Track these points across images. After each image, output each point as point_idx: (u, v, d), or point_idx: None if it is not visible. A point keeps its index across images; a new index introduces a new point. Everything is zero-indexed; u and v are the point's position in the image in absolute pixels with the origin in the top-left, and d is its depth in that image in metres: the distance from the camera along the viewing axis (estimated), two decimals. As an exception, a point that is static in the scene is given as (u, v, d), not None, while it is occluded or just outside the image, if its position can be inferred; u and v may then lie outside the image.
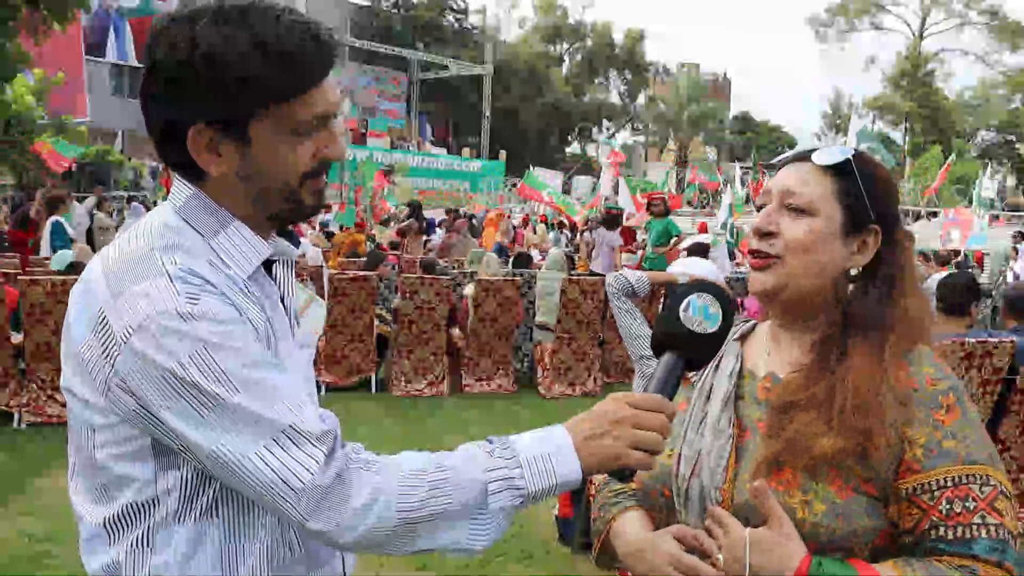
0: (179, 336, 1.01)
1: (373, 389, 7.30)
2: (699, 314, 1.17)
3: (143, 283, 1.04)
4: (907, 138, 47.24)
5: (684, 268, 4.12)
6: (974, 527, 1.10)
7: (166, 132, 1.11)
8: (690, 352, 1.18)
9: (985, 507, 1.10)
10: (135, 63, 35.50)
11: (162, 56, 1.07)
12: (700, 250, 6.88)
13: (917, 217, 25.26)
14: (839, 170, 1.22)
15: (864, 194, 1.21)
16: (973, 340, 4.49)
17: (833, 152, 1.24)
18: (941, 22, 48.61)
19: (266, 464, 1.02)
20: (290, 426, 1.03)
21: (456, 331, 7.49)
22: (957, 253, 12.38)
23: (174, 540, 1.10)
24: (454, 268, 9.23)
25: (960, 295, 4.44)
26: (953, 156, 25.64)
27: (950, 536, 1.10)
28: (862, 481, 1.13)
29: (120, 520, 1.11)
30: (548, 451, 1.10)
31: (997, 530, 1.10)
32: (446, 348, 7.36)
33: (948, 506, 1.11)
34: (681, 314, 1.17)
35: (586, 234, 12.63)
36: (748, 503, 1.16)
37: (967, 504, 1.10)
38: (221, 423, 1.02)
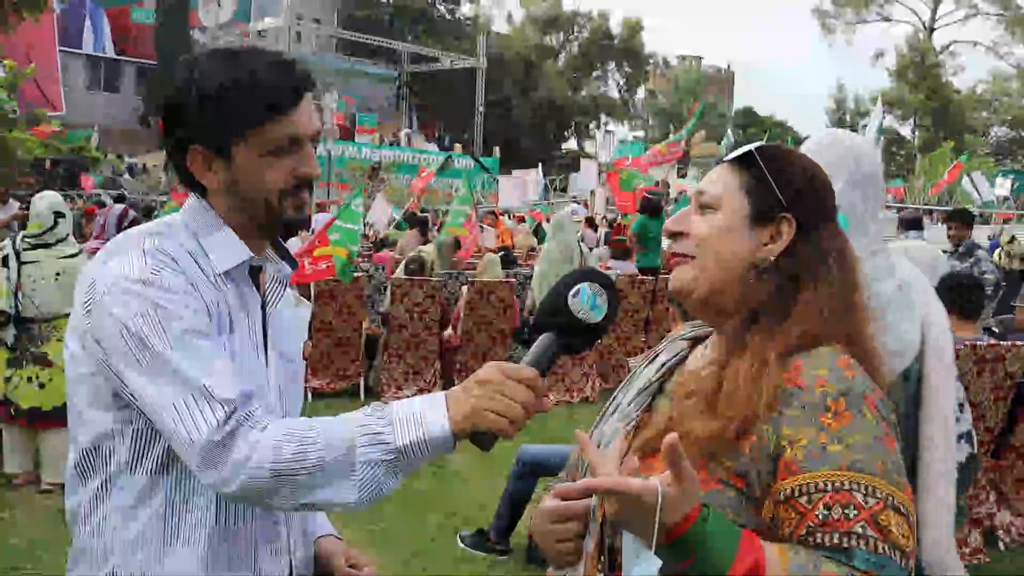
0: (135, 297, 1.22)
1: (362, 395, 7.07)
2: (587, 303, 1.19)
3: (123, 256, 1.27)
4: (916, 134, 46.79)
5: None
6: (853, 536, 1.03)
7: (176, 152, 1.34)
8: (569, 337, 1.21)
9: (867, 518, 1.04)
10: (112, 55, 34.51)
11: (172, 91, 1.33)
12: None
13: (929, 213, 24.88)
14: (748, 164, 1.24)
15: (772, 183, 1.21)
16: (984, 344, 4.37)
17: (739, 149, 1.28)
18: (950, 13, 48.08)
19: (178, 415, 1.18)
20: (205, 386, 1.19)
21: (448, 333, 7.24)
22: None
23: (125, 490, 1.28)
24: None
25: (971, 296, 4.33)
26: (966, 155, 25.04)
27: (827, 543, 1.04)
28: (732, 475, 1.12)
29: (83, 463, 1.30)
30: (421, 409, 1.20)
31: (876, 544, 1.03)
32: (438, 352, 7.14)
33: (826, 511, 1.05)
34: (569, 299, 1.19)
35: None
36: None
37: (847, 511, 1.04)
38: (154, 372, 1.20)
